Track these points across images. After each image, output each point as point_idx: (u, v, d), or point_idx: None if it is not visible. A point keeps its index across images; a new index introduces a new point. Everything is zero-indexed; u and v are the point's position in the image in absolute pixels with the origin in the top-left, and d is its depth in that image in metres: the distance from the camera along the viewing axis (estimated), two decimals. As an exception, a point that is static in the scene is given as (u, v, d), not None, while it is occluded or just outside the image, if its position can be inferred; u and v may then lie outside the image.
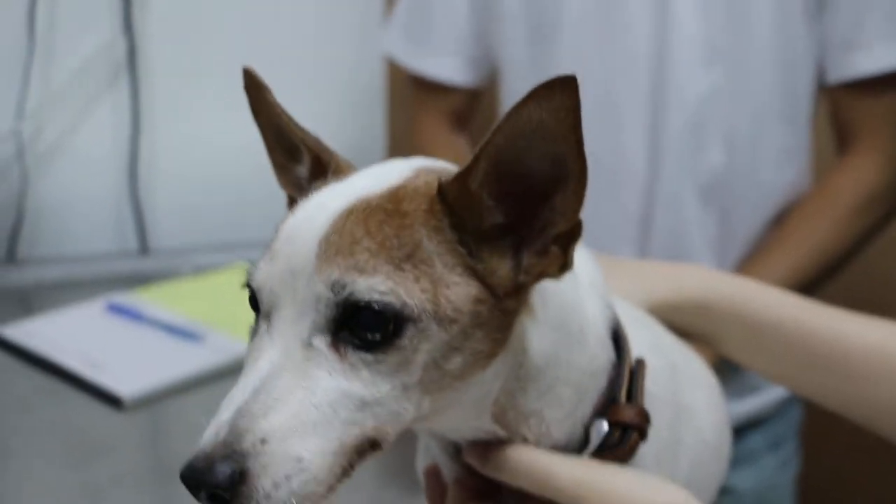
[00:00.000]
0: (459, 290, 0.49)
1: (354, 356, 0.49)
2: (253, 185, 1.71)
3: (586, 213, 0.50)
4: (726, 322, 0.74)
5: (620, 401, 0.58)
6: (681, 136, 1.18)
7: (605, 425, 0.58)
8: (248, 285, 0.53)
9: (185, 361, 1.25)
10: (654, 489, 0.56)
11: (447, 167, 0.55)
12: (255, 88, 0.58)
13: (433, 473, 0.63)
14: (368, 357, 0.49)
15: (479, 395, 0.54)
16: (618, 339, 0.60)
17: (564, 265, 0.51)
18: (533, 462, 0.56)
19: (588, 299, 0.58)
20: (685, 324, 0.75)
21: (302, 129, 0.58)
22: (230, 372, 1.23)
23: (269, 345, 0.50)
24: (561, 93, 0.45)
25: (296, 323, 0.49)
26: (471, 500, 0.59)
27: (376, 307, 0.48)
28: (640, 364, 0.60)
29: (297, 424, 0.47)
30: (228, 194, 1.72)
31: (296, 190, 0.60)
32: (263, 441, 0.46)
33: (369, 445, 0.50)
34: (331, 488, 0.49)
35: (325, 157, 0.58)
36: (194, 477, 0.46)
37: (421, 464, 0.69)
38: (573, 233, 0.51)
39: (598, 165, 1.17)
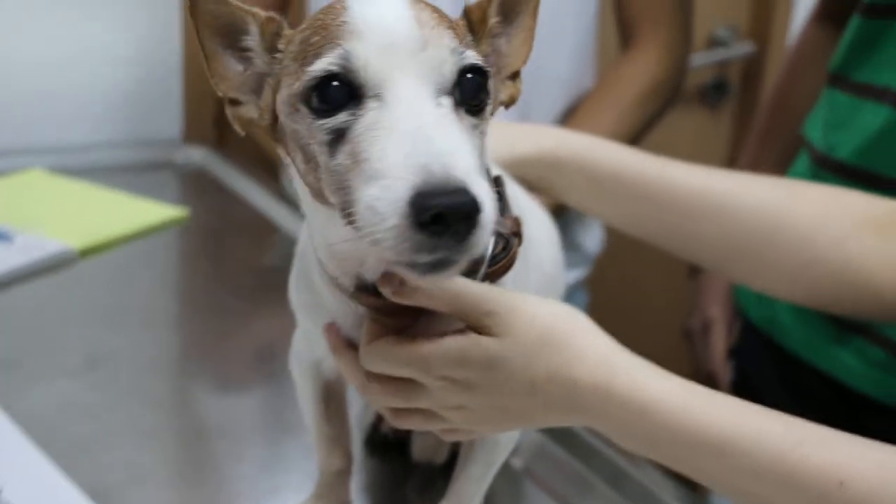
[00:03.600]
0: None
1: (466, 118, 0.55)
2: (32, 92, 1.66)
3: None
4: (575, 173, 0.84)
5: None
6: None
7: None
8: (332, 72, 0.54)
9: (-5, 261, 1.24)
10: (551, 304, 0.63)
11: None
12: None
13: (333, 328, 0.67)
14: (474, 120, 0.56)
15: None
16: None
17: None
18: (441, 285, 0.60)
19: None
20: (538, 177, 0.84)
21: (243, 6, 0.59)
22: (46, 269, 1.22)
23: (406, 108, 0.52)
24: None
25: (420, 87, 0.53)
26: (384, 335, 0.63)
27: (483, 69, 0.56)
28: (499, 180, 0.67)
29: (473, 167, 0.50)
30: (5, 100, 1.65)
31: (237, 72, 0.61)
32: (468, 177, 0.48)
33: None
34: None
35: (275, 17, 0.60)
36: (465, 203, 0.47)
37: (297, 346, 0.75)
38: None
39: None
